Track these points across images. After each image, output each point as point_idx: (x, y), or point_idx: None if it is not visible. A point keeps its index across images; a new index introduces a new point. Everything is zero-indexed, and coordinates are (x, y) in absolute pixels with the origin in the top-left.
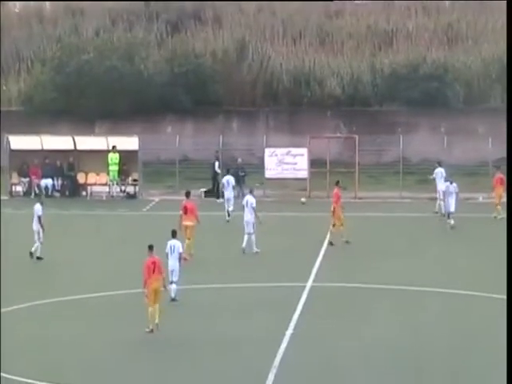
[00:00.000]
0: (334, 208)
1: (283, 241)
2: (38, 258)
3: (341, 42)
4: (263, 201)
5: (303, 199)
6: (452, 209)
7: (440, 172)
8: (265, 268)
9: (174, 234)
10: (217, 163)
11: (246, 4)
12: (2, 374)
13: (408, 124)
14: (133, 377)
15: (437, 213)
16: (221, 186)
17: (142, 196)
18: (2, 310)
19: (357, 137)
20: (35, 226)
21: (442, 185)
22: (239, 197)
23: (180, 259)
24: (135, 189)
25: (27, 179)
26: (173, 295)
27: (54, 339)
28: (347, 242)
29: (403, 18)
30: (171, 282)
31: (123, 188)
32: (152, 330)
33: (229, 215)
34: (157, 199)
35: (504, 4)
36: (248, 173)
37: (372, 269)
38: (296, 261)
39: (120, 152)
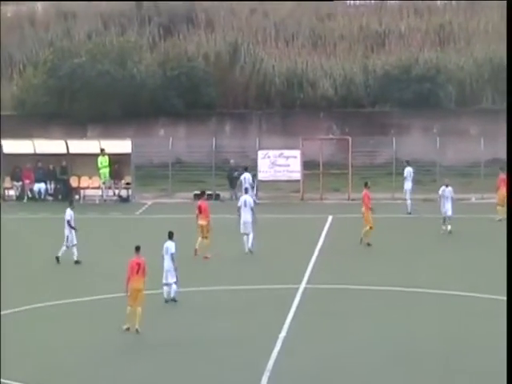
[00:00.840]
0: (365, 210)
1: (276, 243)
2: (77, 261)
3: (333, 44)
4: (256, 203)
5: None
6: (449, 213)
7: (409, 171)
8: (258, 270)
9: (169, 236)
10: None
11: (239, 7)
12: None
13: (401, 125)
14: (125, 379)
15: (410, 213)
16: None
17: (134, 199)
18: None
19: (350, 138)
20: (66, 230)
21: (408, 184)
22: (232, 199)
23: (173, 260)
24: (128, 192)
25: (20, 183)
26: (165, 296)
27: (47, 343)
28: (368, 244)
29: (395, 19)
30: (165, 284)
31: (116, 191)
32: (128, 329)
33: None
34: (150, 202)
35: (496, 5)
36: (241, 175)
37: (366, 270)
38: (289, 263)
39: (111, 155)
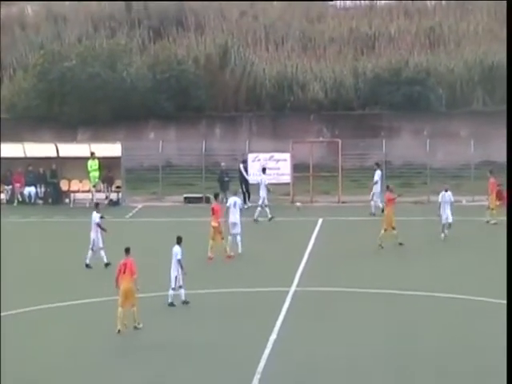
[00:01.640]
0: (388, 212)
1: (267, 246)
2: (107, 264)
3: (323, 47)
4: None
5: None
6: (450, 219)
7: (379, 175)
8: (248, 273)
9: (178, 241)
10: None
11: (228, 9)
12: None
13: (391, 128)
14: (114, 382)
15: (374, 214)
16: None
17: (125, 203)
18: None
19: (340, 141)
20: (93, 233)
21: (377, 187)
22: (223, 202)
23: (180, 265)
24: (118, 195)
25: (10, 187)
26: (170, 300)
27: (40, 347)
28: (401, 243)
29: (385, 21)
30: (173, 288)
31: (107, 195)
32: (119, 331)
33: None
34: (140, 206)
35: (486, 6)
36: (231, 178)
37: (356, 273)
38: (279, 265)
39: (101, 159)
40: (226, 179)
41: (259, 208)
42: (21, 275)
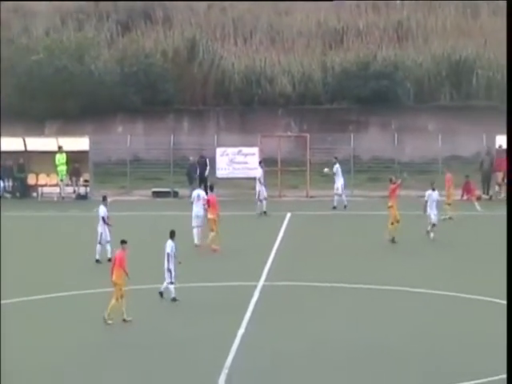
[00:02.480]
0: (392, 205)
1: (235, 240)
2: (110, 259)
3: (291, 41)
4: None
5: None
6: (435, 220)
7: (337, 168)
8: (216, 267)
9: (170, 235)
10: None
11: (196, 3)
12: None
13: (359, 122)
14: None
15: (335, 208)
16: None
17: (93, 197)
18: None
19: (308, 135)
20: (99, 227)
21: (340, 180)
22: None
23: (168, 260)
24: (86, 189)
25: None
26: (172, 296)
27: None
28: (393, 240)
29: (353, 15)
30: (172, 282)
31: (75, 189)
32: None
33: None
34: (108, 200)
35: (453, 2)
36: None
37: (324, 267)
38: (248, 260)
39: (69, 152)
40: (195, 174)
41: (259, 203)
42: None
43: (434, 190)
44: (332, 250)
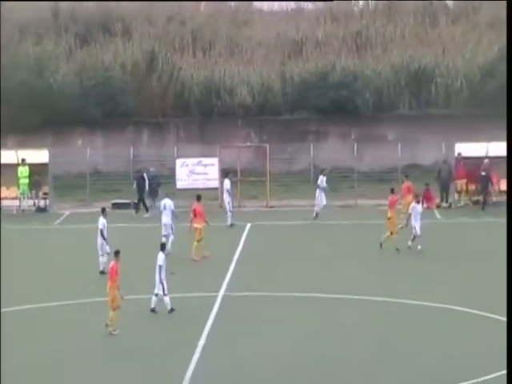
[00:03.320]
0: (392, 215)
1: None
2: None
3: (250, 51)
4: (175, 211)
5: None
6: (419, 232)
7: (322, 180)
8: (177, 278)
9: (161, 247)
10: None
11: (155, 15)
12: None
13: (318, 132)
14: None
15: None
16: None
17: (52, 209)
18: None
19: (267, 145)
20: (99, 239)
21: (322, 193)
22: (151, 208)
23: (160, 272)
24: (46, 202)
25: None
26: (168, 307)
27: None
28: (397, 249)
29: (312, 26)
30: (165, 294)
31: (34, 201)
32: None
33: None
34: (68, 212)
35: (412, 10)
36: (160, 184)
37: (285, 277)
38: (208, 270)
39: (30, 165)
40: (154, 185)
41: (229, 213)
42: None
43: (418, 202)
44: (292, 260)
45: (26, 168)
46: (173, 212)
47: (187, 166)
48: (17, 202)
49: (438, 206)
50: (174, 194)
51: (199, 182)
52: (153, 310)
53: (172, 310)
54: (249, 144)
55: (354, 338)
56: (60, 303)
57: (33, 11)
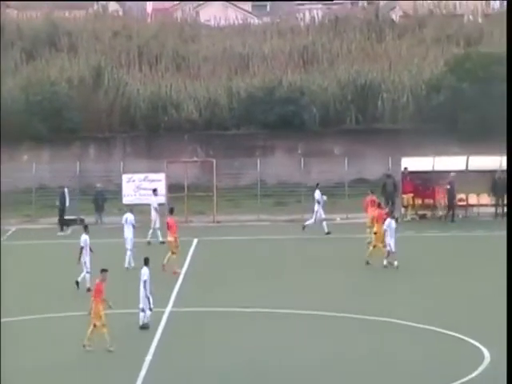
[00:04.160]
0: (378, 229)
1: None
2: (77, 282)
3: (197, 66)
4: (121, 227)
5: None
6: (394, 248)
7: (319, 194)
8: (123, 293)
9: (145, 262)
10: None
11: (102, 30)
12: None
13: (265, 147)
14: None
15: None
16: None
17: None
18: None
19: (214, 160)
20: (83, 257)
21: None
22: (98, 223)
23: (144, 287)
24: None
25: None
26: (146, 321)
27: None
28: (390, 263)
29: (259, 41)
30: (143, 310)
31: None
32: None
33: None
34: (13, 228)
35: (358, 26)
36: (106, 199)
37: (232, 292)
38: (155, 286)
39: None
40: (101, 201)
41: (151, 230)
42: None
43: (393, 217)
44: (239, 276)
45: None
46: (133, 226)
47: (134, 181)
48: None
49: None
50: (121, 209)
51: (145, 198)
52: (143, 327)
53: (146, 325)
54: (196, 159)
55: (298, 353)
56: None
57: None
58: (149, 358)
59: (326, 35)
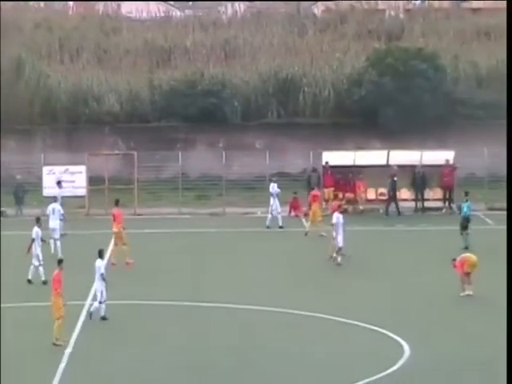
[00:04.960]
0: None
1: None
2: (30, 280)
3: (118, 59)
4: (42, 219)
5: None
6: (342, 244)
7: (273, 187)
8: (42, 286)
9: (99, 254)
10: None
11: (23, 21)
12: None
13: (187, 140)
14: None
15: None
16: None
17: None
18: None
19: (135, 153)
20: (35, 249)
21: (276, 201)
22: (18, 215)
23: (102, 279)
24: None
25: None
26: (102, 313)
27: None
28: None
29: (180, 34)
30: (100, 302)
31: None
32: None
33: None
34: None
35: (280, 20)
36: (27, 191)
37: (154, 285)
38: (75, 278)
39: None
40: (21, 194)
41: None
42: None
43: (342, 212)
44: (162, 268)
45: None
46: (63, 215)
47: (54, 173)
48: None
49: (306, 215)
50: (43, 201)
51: (66, 190)
52: (103, 318)
53: (104, 317)
54: (117, 152)
55: (223, 348)
56: None
57: None
58: (69, 350)
59: (248, 29)
